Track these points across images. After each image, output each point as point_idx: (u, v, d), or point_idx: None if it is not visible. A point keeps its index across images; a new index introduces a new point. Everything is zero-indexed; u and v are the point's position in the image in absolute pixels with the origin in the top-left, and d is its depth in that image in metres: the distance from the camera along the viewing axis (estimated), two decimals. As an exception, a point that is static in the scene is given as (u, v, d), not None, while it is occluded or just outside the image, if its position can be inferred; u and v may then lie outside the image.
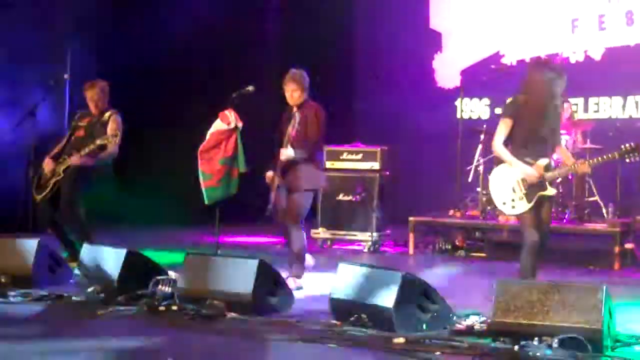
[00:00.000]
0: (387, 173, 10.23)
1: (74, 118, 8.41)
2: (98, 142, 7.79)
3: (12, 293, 6.57)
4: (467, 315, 5.72)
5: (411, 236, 9.88)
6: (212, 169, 7.11)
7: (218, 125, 7.13)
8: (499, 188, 6.44)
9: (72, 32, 10.90)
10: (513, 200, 6.36)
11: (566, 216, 9.50)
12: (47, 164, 8.11)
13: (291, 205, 7.19)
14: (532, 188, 6.31)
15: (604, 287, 5.01)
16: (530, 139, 6.30)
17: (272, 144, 7.33)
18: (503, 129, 6.38)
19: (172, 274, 6.59)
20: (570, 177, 9.73)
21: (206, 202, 7.20)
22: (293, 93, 7.25)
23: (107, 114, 8.15)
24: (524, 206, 6.33)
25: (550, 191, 6.34)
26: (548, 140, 6.35)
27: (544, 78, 6.22)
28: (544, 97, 6.25)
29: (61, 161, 8.07)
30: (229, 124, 7.10)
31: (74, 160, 7.91)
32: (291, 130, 7.19)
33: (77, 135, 8.20)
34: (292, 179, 7.18)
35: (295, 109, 7.30)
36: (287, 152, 7.09)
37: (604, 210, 9.56)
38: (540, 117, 6.27)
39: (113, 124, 8.08)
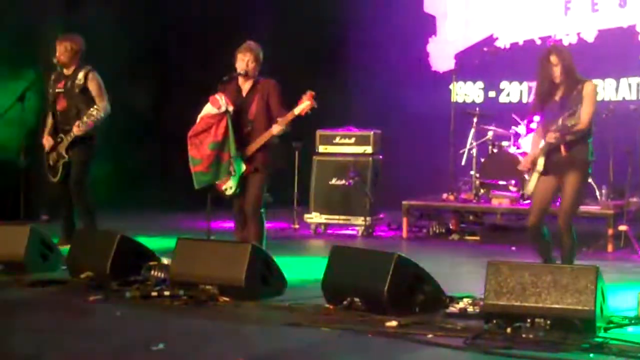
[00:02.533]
0: (381, 157, 10.21)
1: (49, 83, 8.16)
2: (85, 119, 7.73)
3: (4, 279, 6.56)
4: (460, 298, 5.72)
5: (405, 220, 9.87)
6: (202, 153, 7.06)
7: (208, 109, 7.07)
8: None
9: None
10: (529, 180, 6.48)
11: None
12: (47, 140, 8.06)
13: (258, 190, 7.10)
14: (533, 167, 6.36)
15: (597, 269, 5.01)
16: None
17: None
18: None
19: (164, 260, 6.58)
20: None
21: (196, 186, 7.16)
22: (249, 63, 7.06)
23: (81, 74, 7.92)
24: (529, 186, 6.40)
25: (539, 166, 6.28)
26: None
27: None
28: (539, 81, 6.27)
29: (60, 141, 7.98)
30: (219, 107, 7.04)
31: (76, 132, 7.80)
32: (251, 105, 7.05)
33: (61, 107, 8.00)
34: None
35: (246, 82, 7.14)
36: (277, 128, 6.97)
37: (597, 193, 9.54)
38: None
39: (93, 85, 7.89)
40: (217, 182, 7.13)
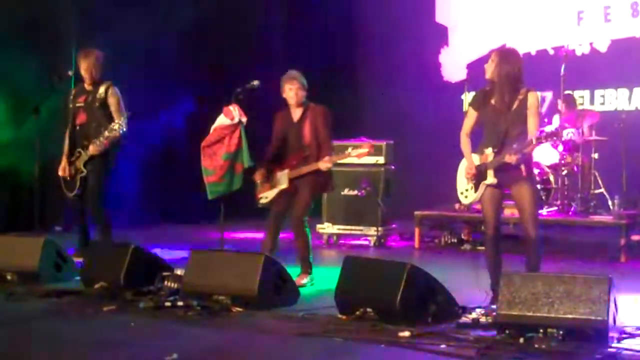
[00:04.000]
0: (393, 167, 10.21)
1: (70, 97, 8.14)
2: (106, 134, 7.74)
3: (18, 290, 6.60)
4: (473, 308, 5.72)
5: (417, 230, 9.86)
6: (215, 164, 7.11)
7: (221, 120, 7.12)
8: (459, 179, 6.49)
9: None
10: (467, 190, 6.39)
11: (572, 208, 9.48)
12: (63, 166, 8.02)
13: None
14: (478, 178, 6.27)
15: (610, 279, 5.00)
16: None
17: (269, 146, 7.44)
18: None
19: (177, 270, 6.61)
20: (576, 169, 9.72)
21: (209, 197, 7.19)
22: (298, 91, 7.27)
23: (102, 88, 7.93)
24: (472, 196, 6.34)
25: (489, 179, 6.21)
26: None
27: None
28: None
29: (78, 156, 7.97)
30: (232, 119, 7.09)
31: (92, 151, 7.83)
32: (303, 131, 7.26)
33: (81, 122, 8.01)
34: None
35: (297, 109, 7.32)
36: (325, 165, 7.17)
37: (610, 203, 9.52)
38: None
39: (113, 100, 7.90)
40: (230, 190, 7.19)
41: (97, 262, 6.80)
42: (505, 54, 6.26)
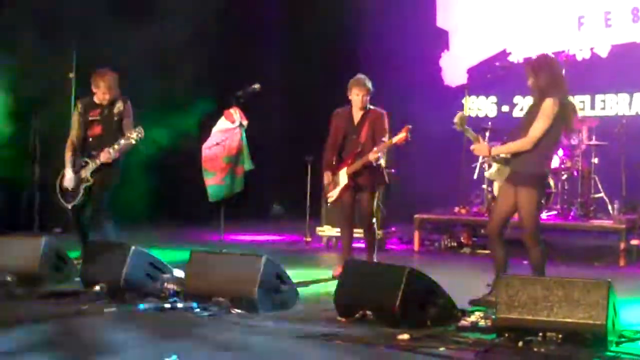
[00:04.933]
0: (393, 171, 10.20)
1: (79, 110, 8.10)
2: (123, 141, 7.71)
3: (18, 291, 6.60)
4: (472, 312, 5.73)
5: (417, 233, 9.88)
6: (216, 167, 7.14)
7: (222, 124, 7.14)
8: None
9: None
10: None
11: (572, 213, 9.50)
12: (69, 181, 7.91)
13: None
14: None
15: (609, 283, 5.02)
16: None
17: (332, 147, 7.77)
18: None
19: (177, 272, 6.62)
20: (575, 174, 9.73)
21: (210, 199, 7.21)
22: (364, 97, 7.68)
23: (119, 102, 7.95)
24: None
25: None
26: None
27: None
28: None
29: (84, 165, 7.95)
30: (233, 122, 7.11)
31: (103, 158, 7.81)
32: (362, 131, 7.66)
33: (95, 133, 7.97)
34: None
35: (359, 111, 7.72)
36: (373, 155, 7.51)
37: (609, 207, 9.54)
38: None
39: (127, 114, 7.89)
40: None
41: (97, 263, 6.80)
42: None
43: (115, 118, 7.95)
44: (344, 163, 7.71)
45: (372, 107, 7.76)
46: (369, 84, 7.75)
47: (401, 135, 7.49)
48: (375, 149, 7.51)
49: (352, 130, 7.74)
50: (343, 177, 7.67)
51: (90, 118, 8.04)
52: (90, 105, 8.07)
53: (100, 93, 7.96)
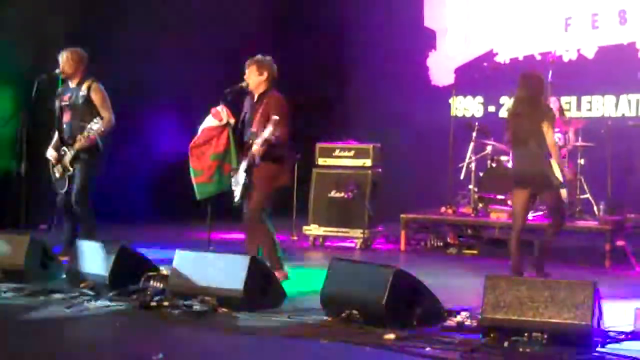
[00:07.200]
0: (380, 170, 10.24)
1: (56, 94, 8.13)
2: (85, 133, 7.70)
3: (4, 288, 6.57)
4: (458, 312, 5.74)
5: (403, 233, 9.89)
6: (203, 165, 7.10)
7: (209, 122, 7.12)
8: None
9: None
10: None
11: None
12: (51, 153, 7.99)
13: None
14: None
15: (594, 284, 5.04)
16: None
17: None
18: None
19: (163, 270, 6.60)
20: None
21: (197, 198, 7.19)
22: (251, 75, 7.19)
23: (84, 85, 7.92)
24: None
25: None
26: None
27: None
28: None
29: (63, 154, 7.94)
30: (220, 120, 7.09)
31: (77, 146, 7.78)
32: (254, 118, 7.12)
33: (66, 120, 7.98)
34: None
35: (255, 95, 7.25)
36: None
37: (595, 208, 9.58)
38: None
39: (96, 95, 7.88)
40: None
41: (83, 261, 6.78)
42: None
43: (80, 101, 7.88)
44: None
45: (271, 92, 7.27)
46: (261, 63, 7.24)
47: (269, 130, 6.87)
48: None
49: (248, 116, 7.24)
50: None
51: (62, 103, 8.01)
52: (65, 90, 8.05)
53: (60, 70, 7.90)
